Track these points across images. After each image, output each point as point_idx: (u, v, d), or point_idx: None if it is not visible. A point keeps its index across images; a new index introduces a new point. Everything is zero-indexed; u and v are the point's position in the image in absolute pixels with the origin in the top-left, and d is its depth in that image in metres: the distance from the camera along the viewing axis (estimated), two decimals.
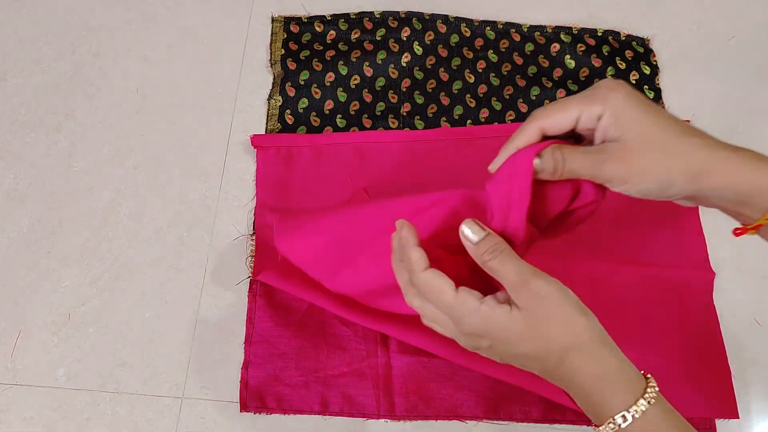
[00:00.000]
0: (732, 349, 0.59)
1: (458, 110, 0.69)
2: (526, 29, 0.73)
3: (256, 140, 0.66)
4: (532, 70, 0.72)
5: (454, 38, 0.73)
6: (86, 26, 0.73)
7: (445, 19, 0.73)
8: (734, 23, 0.74)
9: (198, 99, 0.69)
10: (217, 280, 0.61)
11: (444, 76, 0.71)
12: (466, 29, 0.73)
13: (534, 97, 0.70)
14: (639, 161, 0.37)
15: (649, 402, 0.36)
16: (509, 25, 0.74)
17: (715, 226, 0.64)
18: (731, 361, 0.58)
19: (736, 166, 0.37)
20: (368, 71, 0.71)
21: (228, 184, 0.65)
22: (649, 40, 0.73)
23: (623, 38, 0.73)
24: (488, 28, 0.74)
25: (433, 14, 0.74)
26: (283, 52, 0.71)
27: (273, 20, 0.73)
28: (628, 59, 0.72)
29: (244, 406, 0.56)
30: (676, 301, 0.60)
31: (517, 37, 0.73)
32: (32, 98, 0.69)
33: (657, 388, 0.37)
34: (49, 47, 0.71)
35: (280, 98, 0.69)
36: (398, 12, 0.73)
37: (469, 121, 0.69)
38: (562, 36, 0.73)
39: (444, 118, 0.69)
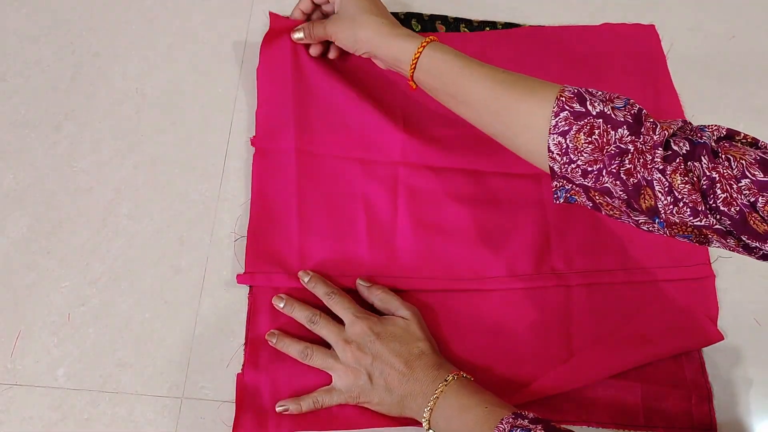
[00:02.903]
0: (732, 349, 0.59)
1: None
2: None
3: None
4: None
5: None
6: (86, 26, 0.73)
7: (444, 19, 0.73)
8: (734, 23, 0.74)
9: (198, 99, 0.69)
10: (217, 280, 0.61)
11: None
12: (466, 29, 0.73)
13: None
14: (341, 27, 0.61)
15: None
16: (509, 25, 0.74)
17: None
18: (731, 362, 0.58)
19: (392, 43, 0.58)
20: None
21: (228, 184, 0.65)
22: None
23: None
24: (488, 28, 0.74)
25: (432, 15, 0.74)
26: None
27: None
28: None
29: None
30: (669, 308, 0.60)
31: None
32: (32, 98, 0.69)
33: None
34: (49, 47, 0.71)
35: None
36: (398, 13, 0.73)
37: None
38: None
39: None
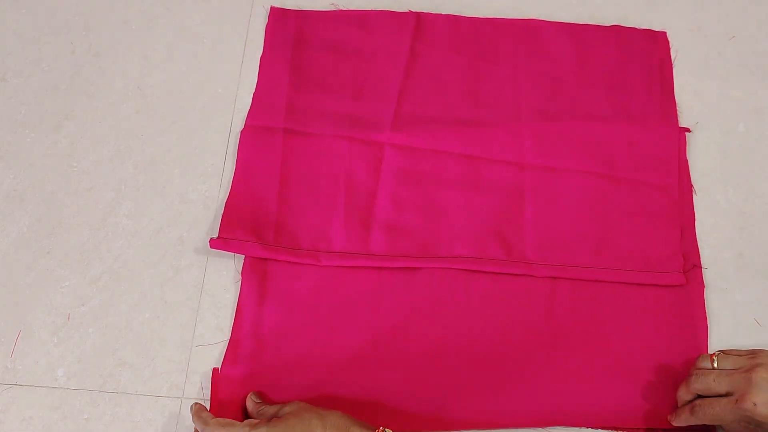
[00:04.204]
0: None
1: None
2: None
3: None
4: None
5: None
6: (86, 26, 0.73)
7: None
8: (734, 23, 0.74)
9: (198, 99, 0.69)
10: (217, 280, 0.61)
11: None
12: None
13: None
14: None
15: None
16: None
17: (715, 224, 0.64)
18: None
19: None
20: None
21: (228, 184, 0.65)
22: None
23: None
24: None
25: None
26: None
27: None
28: None
29: None
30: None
31: None
32: (32, 98, 0.69)
33: None
34: (49, 47, 0.71)
35: None
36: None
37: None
38: None
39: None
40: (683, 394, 0.52)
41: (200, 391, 0.57)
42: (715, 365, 0.51)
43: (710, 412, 0.49)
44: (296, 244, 0.61)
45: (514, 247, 0.61)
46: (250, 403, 0.54)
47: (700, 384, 0.50)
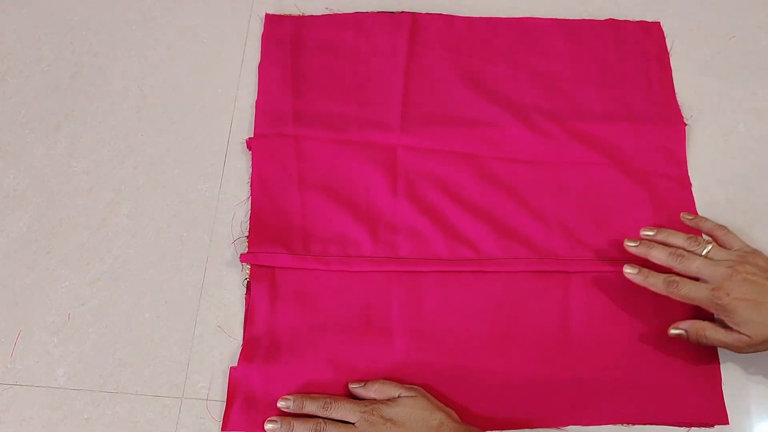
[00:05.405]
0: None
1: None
2: None
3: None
4: None
5: None
6: (86, 26, 0.73)
7: None
8: (734, 23, 0.74)
9: (198, 99, 0.69)
10: (217, 280, 0.61)
11: None
12: None
13: None
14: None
15: None
16: None
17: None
18: (729, 360, 0.58)
19: None
20: None
21: (228, 184, 0.65)
22: None
23: None
24: None
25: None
26: None
27: None
28: None
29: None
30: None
31: None
32: (32, 98, 0.69)
33: None
34: (49, 47, 0.71)
35: None
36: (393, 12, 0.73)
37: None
38: None
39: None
40: (659, 253, 0.55)
41: (200, 390, 0.57)
42: (706, 252, 0.55)
43: (685, 292, 0.54)
44: (325, 251, 0.61)
45: (542, 245, 0.61)
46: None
47: (682, 265, 0.54)
